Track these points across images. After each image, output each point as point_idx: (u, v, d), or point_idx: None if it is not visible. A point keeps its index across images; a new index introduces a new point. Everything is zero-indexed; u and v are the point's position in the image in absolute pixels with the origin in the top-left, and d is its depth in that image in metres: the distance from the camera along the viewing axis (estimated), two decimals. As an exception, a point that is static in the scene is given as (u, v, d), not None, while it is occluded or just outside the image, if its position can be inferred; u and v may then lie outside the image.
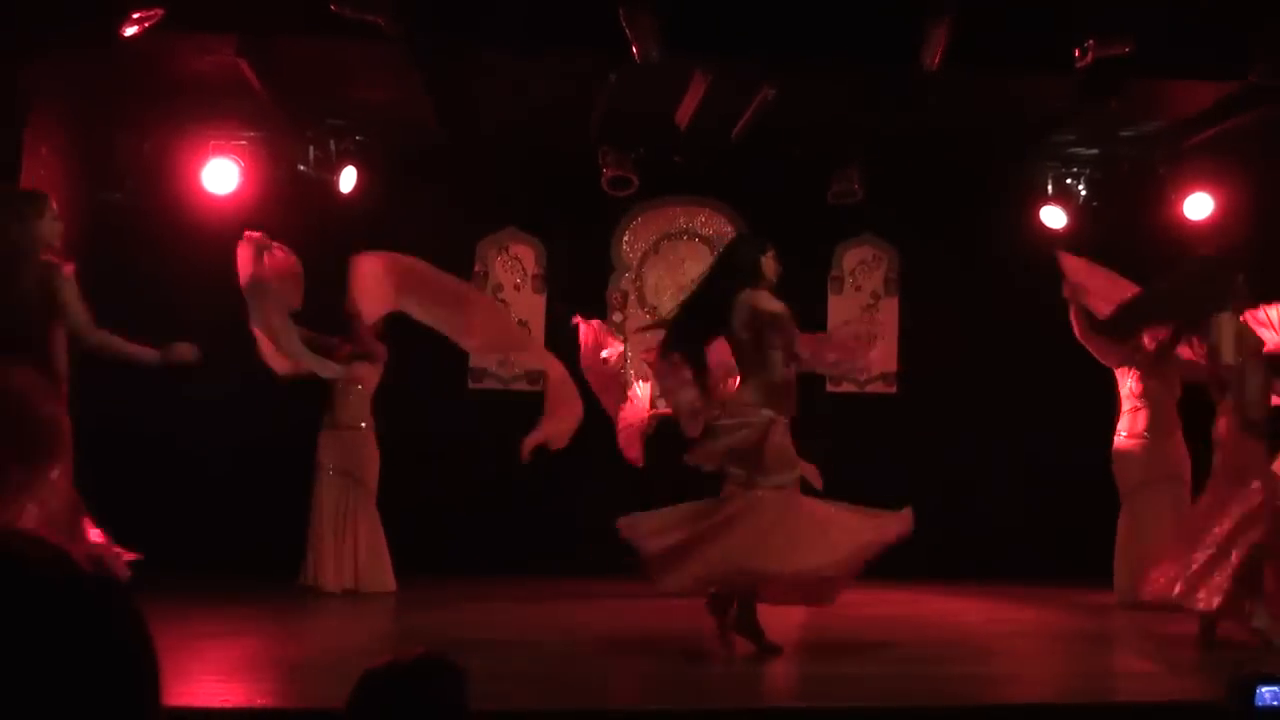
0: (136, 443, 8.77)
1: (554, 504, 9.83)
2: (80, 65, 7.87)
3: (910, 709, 5.38)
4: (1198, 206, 9.73)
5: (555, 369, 8.23)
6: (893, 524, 6.22)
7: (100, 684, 1.20)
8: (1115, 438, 8.72)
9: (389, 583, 8.68)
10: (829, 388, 10.13)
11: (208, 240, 8.90)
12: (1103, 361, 8.70)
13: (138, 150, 9.22)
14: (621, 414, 8.89)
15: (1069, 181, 10.19)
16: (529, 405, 10.10)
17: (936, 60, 7.09)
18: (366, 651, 5.47)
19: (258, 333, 8.01)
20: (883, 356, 10.03)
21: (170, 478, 9.06)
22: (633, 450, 8.89)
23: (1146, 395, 8.58)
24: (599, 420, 8.82)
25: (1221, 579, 6.45)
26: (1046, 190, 10.18)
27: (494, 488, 9.65)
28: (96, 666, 1.20)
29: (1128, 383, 8.69)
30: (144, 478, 8.75)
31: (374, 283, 8.22)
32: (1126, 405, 8.68)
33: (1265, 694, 2.21)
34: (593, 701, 5.61)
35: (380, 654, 2.61)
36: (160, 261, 9.22)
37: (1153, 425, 8.56)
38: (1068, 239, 9.94)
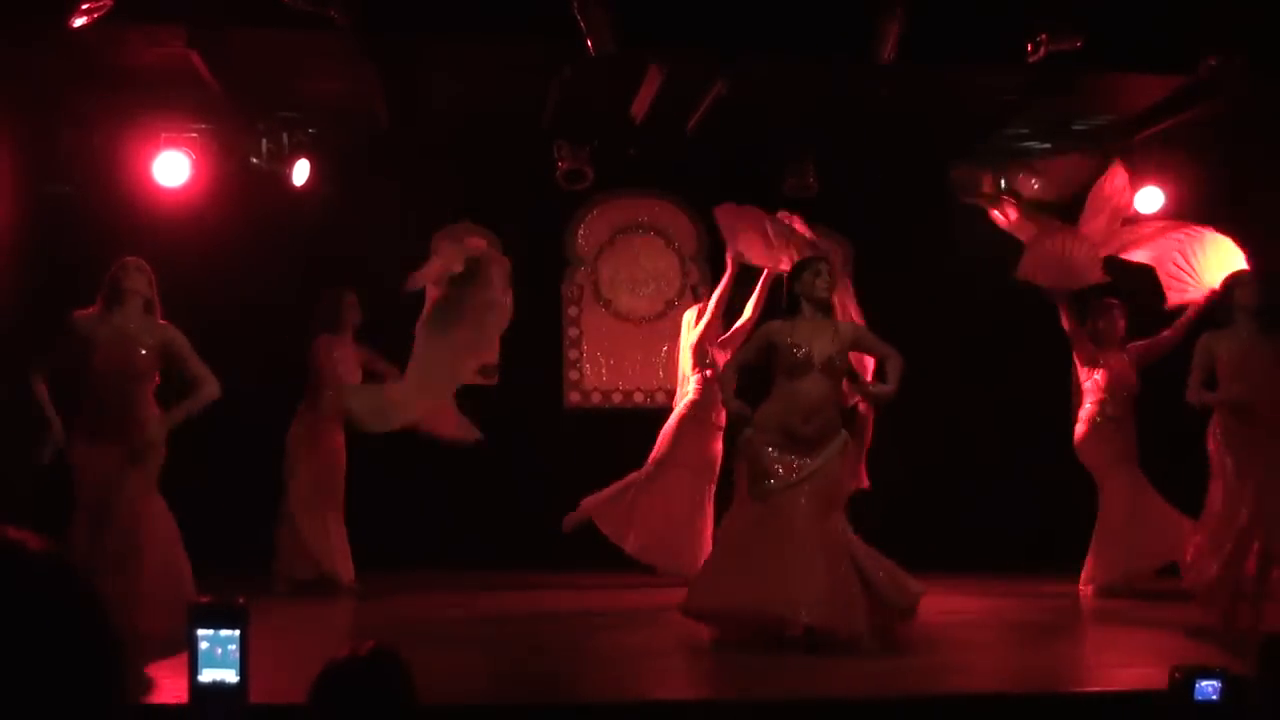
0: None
1: (516, 497, 9.82)
2: (28, 57, 7.77)
3: (863, 700, 5.41)
4: (1149, 199, 9.80)
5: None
6: None
7: (62, 665, 1.18)
8: (1083, 424, 8.83)
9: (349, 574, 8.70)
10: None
11: (158, 234, 8.81)
12: None
13: (87, 143, 9.11)
14: None
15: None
16: (483, 398, 10.11)
17: (889, 53, 7.12)
18: (324, 645, 5.44)
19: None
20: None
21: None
22: None
23: (1124, 381, 8.75)
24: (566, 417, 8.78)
25: None
26: (1000, 183, 10.22)
27: (455, 480, 9.65)
28: (55, 648, 1.18)
29: (1096, 370, 8.78)
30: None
31: None
32: (1096, 393, 8.77)
33: (1204, 687, 2.24)
34: (552, 697, 5.62)
35: (337, 648, 2.60)
36: (110, 256, 9.10)
37: (1124, 409, 8.79)
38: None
